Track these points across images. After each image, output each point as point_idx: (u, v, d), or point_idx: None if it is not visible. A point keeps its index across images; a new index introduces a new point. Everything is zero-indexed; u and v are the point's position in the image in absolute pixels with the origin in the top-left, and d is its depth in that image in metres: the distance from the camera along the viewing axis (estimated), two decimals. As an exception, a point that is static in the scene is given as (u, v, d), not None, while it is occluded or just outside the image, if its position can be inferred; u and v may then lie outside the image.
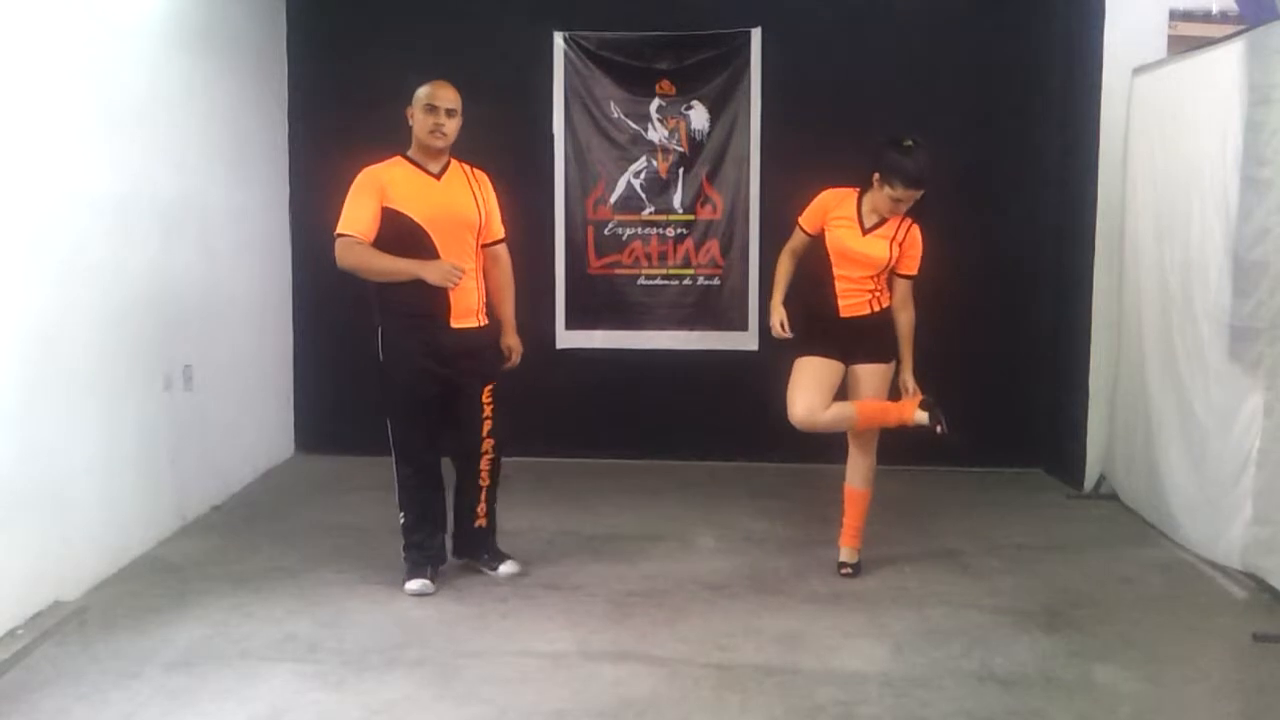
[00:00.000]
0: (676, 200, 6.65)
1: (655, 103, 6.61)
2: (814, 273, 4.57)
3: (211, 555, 4.84)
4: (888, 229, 4.47)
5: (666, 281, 6.69)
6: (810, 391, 4.48)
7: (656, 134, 6.63)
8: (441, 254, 4.23)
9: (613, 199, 6.67)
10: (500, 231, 4.56)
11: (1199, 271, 4.85)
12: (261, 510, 5.62)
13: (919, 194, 4.37)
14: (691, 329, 6.67)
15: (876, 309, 4.56)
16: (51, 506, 4.09)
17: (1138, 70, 5.52)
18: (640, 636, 3.98)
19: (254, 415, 6.20)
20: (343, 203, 4.30)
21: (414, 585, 4.33)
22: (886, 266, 4.51)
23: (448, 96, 4.29)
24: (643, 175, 6.66)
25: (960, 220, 6.33)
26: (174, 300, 5.10)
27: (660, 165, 6.64)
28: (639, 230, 6.68)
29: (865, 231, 4.47)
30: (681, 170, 6.64)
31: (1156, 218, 5.29)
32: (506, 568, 4.55)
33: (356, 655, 3.78)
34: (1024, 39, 6.40)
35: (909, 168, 4.32)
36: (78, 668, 3.63)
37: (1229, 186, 4.58)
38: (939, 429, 4.53)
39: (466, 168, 4.46)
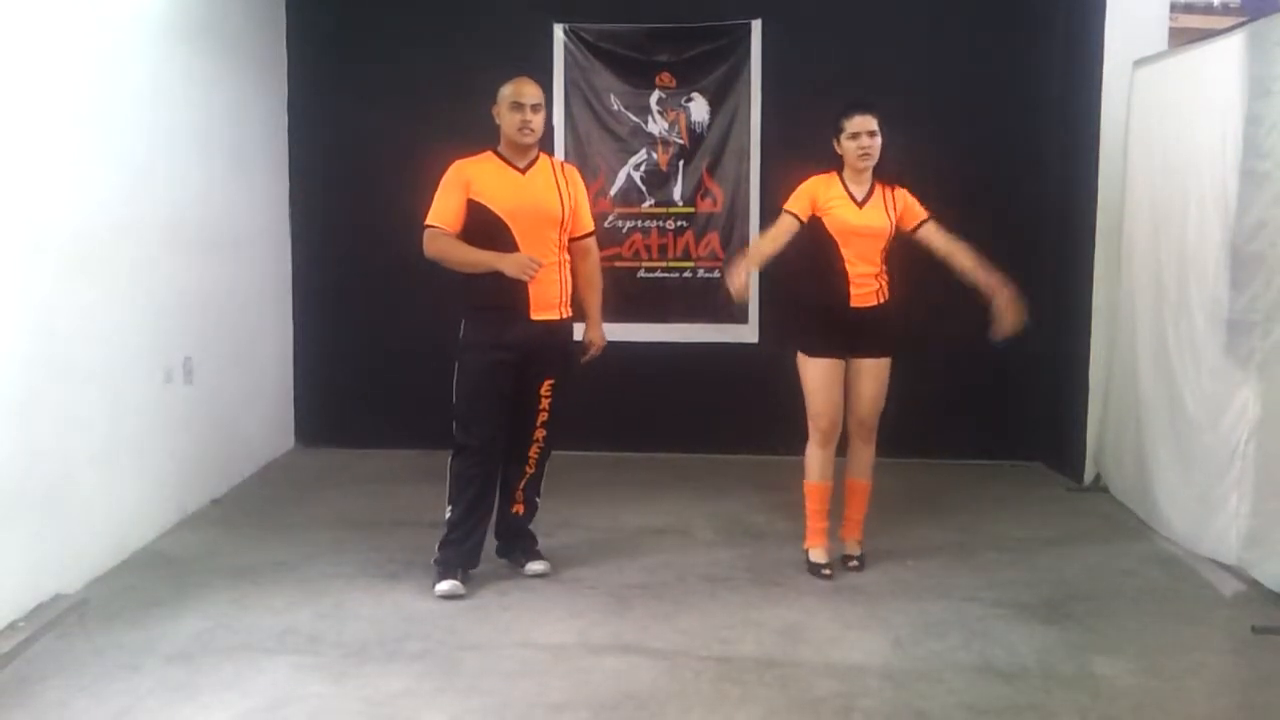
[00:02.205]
0: (676, 193, 6.65)
1: (655, 95, 6.60)
2: (821, 263, 4.51)
3: (211, 548, 4.85)
4: (877, 199, 4.51)
5: (666, 274, 6.69)
6: (833, 404, 4.52)
7: (656, 126, 6.62)
8: (521, 247, 4.26)
9: (613, 191, 6.66)
10: (588, 226, 4.58)
11: (1195, 264, 4.84)
12: (261, 503, 5.62)
13: (872, 120, 4.44)
14: (691, 322, 6.66)
15: (883, 299, 4.56)
16: (52, 500, 4.09)
17: (1139, 63, 5.51)
18: (641, 629, 3.99)
19: (254, 408, 6.20)
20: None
21: (444, 587, 4.27)
22: (891, 236, 4.53)
23: (532, 93, 4.37)
24: (643, 168, 6.65)
25: (961, 212, 6.31)
26: (174, 293, 5.10)
27: (660, 158, 6.64)
28: (639, 223, 6.68)
29: (860, 205, 4.50)
30: (681, 163, 6.63)
31: (1153, 210, 5.29)
32: (534, 565, 4.53)
33: (357, 648, 3.78)
34: (1025, 31, 6.39)
35: (849, 98, 4.52)
36: (79, 660, 3.64)
37: (1227, 179, 4.57)
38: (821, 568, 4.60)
39: (555, 163, 4.52)
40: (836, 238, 4.47)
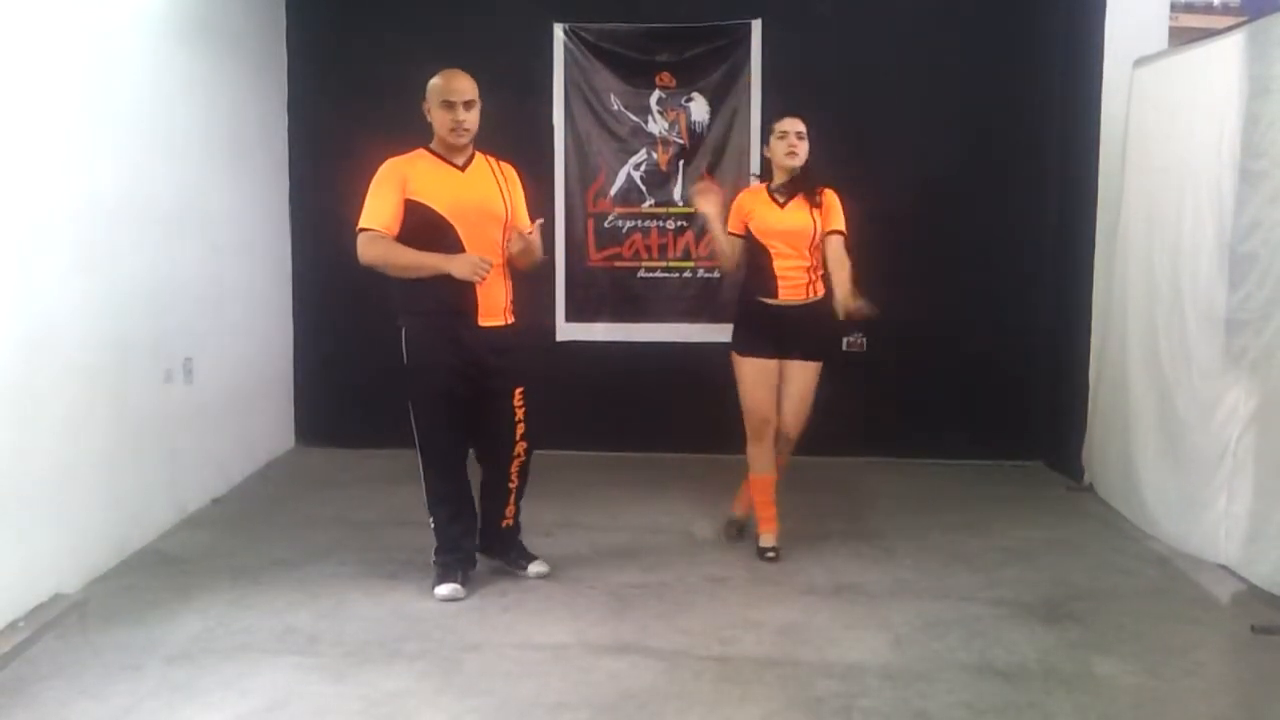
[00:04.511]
0: (676, 193, 6.65)
1: (655, 95, 6.61)
2: (753, 263, 4.72)
3: (212, 548, 4.85)
4: (800, 201, 4.66)
5: (666, 274, 6.70)
6: (762, 402, 4.73)
7: (656, 126, 6.62)
8: (467, 248, 4.08)
9: (613, 191, 6.67)
10: (528, 224, 4.38)
11: (1189, 263, 4.84)
12: (262, 503, 5.62)
13: (799, 122, 4.63)
14: (691, 322, 6.67)
15: (812, 296, 4.68)
16: (52, 499, 4.09)
17: (1138, 62, 5.50)
18: (640, 629, 3.99)
19: (254, 408, 6.20)
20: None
21: (445, 590, 4.23)
22: (815, 235, 4.64)
23: (463, 88, 4.14)
24: (643, 168, 6.66)
25: (961, 213, 6.35)
26: (174, 293, 5.10)
27: (660, 157, 6.64)
28: (639, 223, 6.68)
29: (782, 206, 4.67)
30: (681, 163, 6.63)
31: (1149, 209, 5.28)
32: (536, 567, 4.47)
33: (357, 648, 3.78)
34: (1025, 31, 6.39)
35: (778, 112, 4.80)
36: (79, 660, 3.64)
37: (1224, 179, 4.57)
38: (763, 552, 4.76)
39: (492, 160, 4.31)
40: (762, 240, 4.67)
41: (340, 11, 6.65)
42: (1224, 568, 4.50)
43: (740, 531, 5.02)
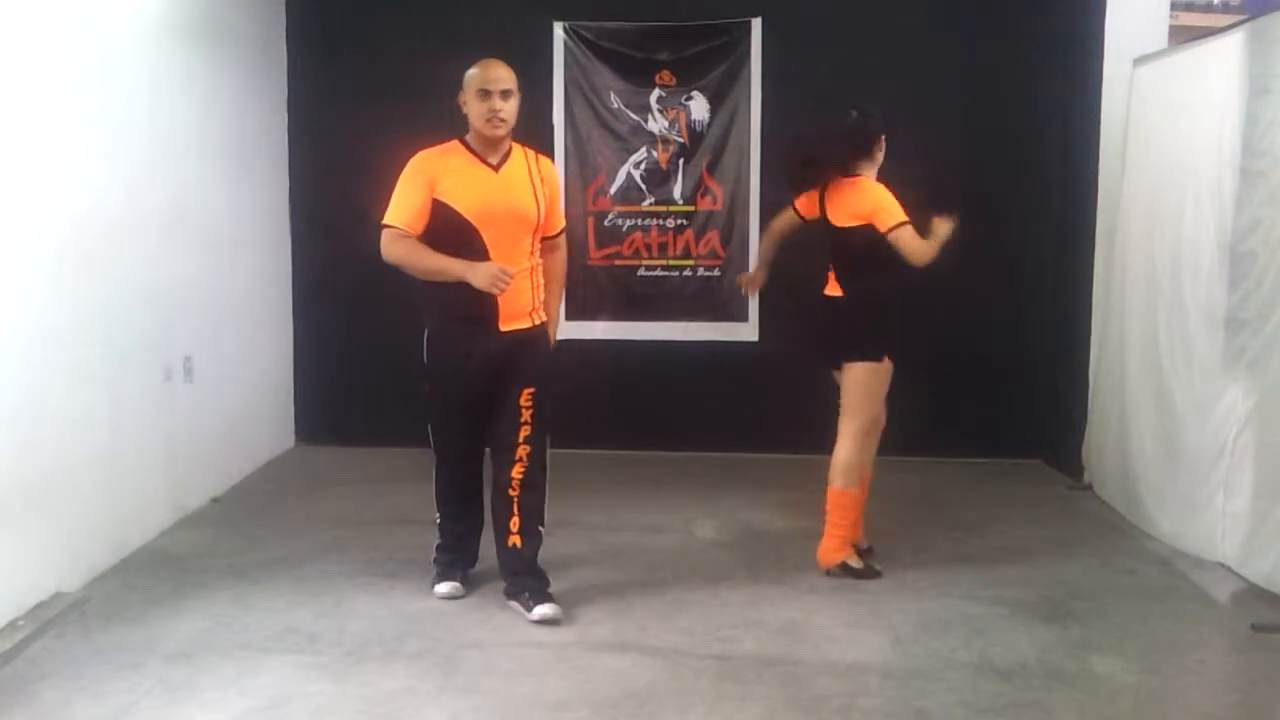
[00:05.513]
0: (676, 191, 6.65)
1: (655, 93, 6.60)
2: (896, 262, 4.43)
3: (212, 547, 4.85)
4: None
5: (666, 273, 6.69)
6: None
7: (656, 125, 6.62)
8: (491, 254, 3.90)
9: (612, 190, 6.66)
10: (560, 224, 4.25)
11: (1188, 262, 4.84)
12: (262, 501, 5.62)
13: None
14: (691, 320, 6.66)
15: None
16: (52, 498, 4.09)
17: (1139, 61, 5.50)
18: (640, 628, 3.99)
19: (254, 406, 6.20)
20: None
21: (444, 588, 4.22)
22: None
23: (502, 77, 3.95)
24: (643, 166, 6.65)
25: (962, 212, 6.33)
26: (174, 292, 5.10)
27: (660, 156, 6.64)
28: (639, 221, 6.68)
29: None
30: (681, 161, 6.63)
31: (1149, 208, 5.28)
32: (541, 610, 3.98)
33: (357, 646, 3.78)
34: (1024, 29, 6.38)
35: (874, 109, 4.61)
36: (79, 659, 3.64)
37: (1223, 178, 4.57)
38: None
39: (530, 155, 4.11)
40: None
41: (340, 11, 6.64)
42: (1223, 566, 4.50)
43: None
